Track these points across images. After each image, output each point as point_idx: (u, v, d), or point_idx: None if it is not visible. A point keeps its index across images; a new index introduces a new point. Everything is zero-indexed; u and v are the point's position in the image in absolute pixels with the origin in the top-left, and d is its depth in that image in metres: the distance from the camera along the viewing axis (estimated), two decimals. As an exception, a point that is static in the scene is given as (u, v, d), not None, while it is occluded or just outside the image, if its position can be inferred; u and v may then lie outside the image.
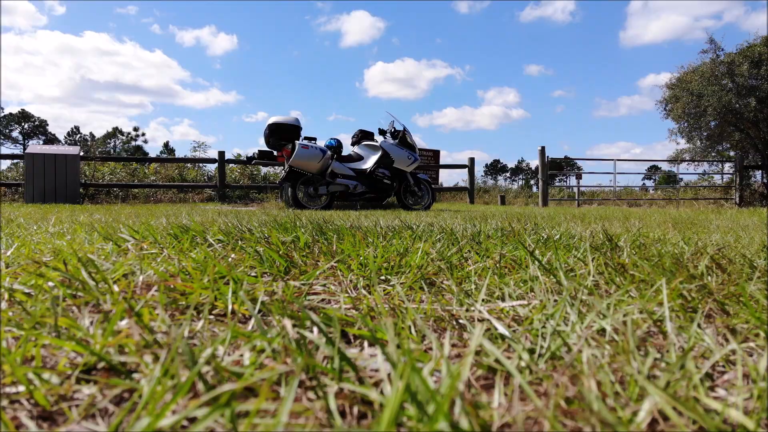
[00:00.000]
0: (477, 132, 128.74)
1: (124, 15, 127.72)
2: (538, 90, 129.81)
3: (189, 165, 14.83)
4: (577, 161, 16.63)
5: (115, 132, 70.34)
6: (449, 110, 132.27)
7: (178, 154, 69.29)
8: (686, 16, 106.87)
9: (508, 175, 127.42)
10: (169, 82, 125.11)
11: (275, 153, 8.50)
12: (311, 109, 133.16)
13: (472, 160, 12.51)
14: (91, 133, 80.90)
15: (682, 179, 14.50)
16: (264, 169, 14.87)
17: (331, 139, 8.52)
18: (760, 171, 14.44)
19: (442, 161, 13.60)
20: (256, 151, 8.91)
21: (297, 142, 7.89)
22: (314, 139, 8.26)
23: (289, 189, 8.06)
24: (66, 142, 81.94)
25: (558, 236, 1.19)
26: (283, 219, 1.83)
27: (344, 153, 8.58)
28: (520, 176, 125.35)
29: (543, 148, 12.77)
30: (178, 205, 8.52)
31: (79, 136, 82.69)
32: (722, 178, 15.81)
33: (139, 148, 65.43)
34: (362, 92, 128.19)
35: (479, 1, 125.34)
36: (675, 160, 15.27)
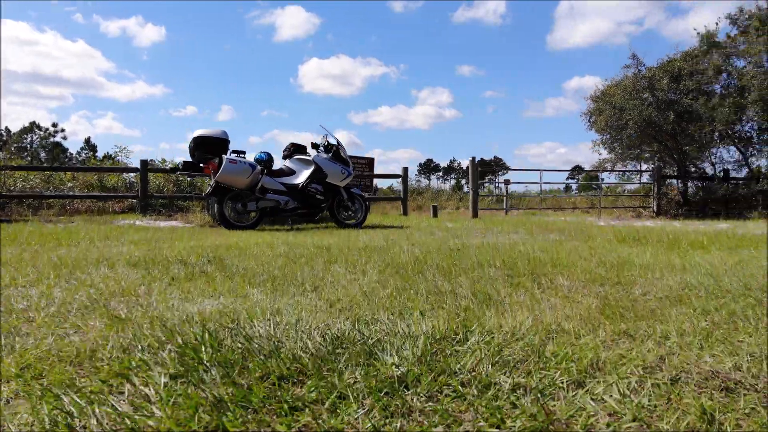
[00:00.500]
0: (411, 131, 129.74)
1: (45, 3, 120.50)
2: (470, 90, 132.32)
3: (114, 166, 14.09)
4: (506, 165, 17.07)
5: (33, 127, 66.26)
6: (384, 108, 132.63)
7: (101, 150, 66.12)
8: (610, 21, 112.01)
9: (440, 174, 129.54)
10: (92, 74, 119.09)
11: (201, 165, 8.17)
12: (243, 104, 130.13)
13: (405, 170, 12.49)
14: (6, 128, 75.84)
15: (603, 179, 15.07)
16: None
17: (261, 152, 8.27)
18: (676, 180, 15.20)
19: (377, 162, 13.56)
20: (181, 162, 8.55)
21: (224, 156, 7.59)
22: (243, 152, 7.99)
23: (216, 205, 7.75)
24: (-24, 136, 76.49)
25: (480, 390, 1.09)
26: (188, 347, 1.68)
27: (275, 167, 8.34)
28: (452, 175, 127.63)
29: (473, 158, 12.92)
30: (95, 223, 8.02)
31: (-9, 129, 77.33)
32: (641, 181, 16.54)
33: (57, 144, 61.81)
34: (297, 88, 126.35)
35: (413, 0, 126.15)
36: (598, 170, 15.85)
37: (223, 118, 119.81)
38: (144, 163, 10.63)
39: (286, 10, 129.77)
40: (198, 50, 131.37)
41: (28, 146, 62.70)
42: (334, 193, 8.32)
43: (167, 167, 13.53)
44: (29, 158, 62.87)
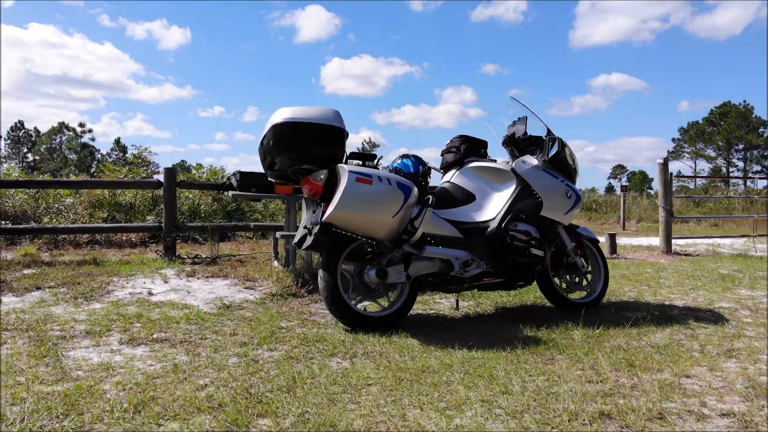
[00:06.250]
0: (436, 130, 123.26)
1: (71, 6, 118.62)
2: (494, 89, 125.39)
3: (126, 178, 10.03)
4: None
5: (61, 128, 63.70)
6: (408, 108, 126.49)
7: (131, 150, 63.18)
8: (633, 18, 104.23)
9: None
10: (121, 76, 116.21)
11: (280, 179, 4.06)
12: (268, 104, 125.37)
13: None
14: (35, 128, 73.66)
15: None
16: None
17: (404, 157, 4.03)
18: None
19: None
20: (236, 173, 4.47)
21: (343, 167, 3.38)
22: (373, 157, 3.76)
23: (322, 272, 3.50)
24: (8, 138, 74.78)
25: None
26: None
27: (429, 184, 4.13)
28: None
29: (665, 161, 8.48)
30: (70, 298, 3.74)
31: (23, 131, 75.36)
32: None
33: (85, 146, 58.85)
34: (319, 89, 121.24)
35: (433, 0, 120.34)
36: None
37: (249, 119, 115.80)
38: (170, 172, 6.48)
39: (306, 11, 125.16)
40: (223, 52, 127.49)
41: (57, 147, 60.06)
42: (550, 236, 4.03)
43: (217, 180, 9.42)
44: (58, 159, 60.27)
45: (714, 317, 3.86)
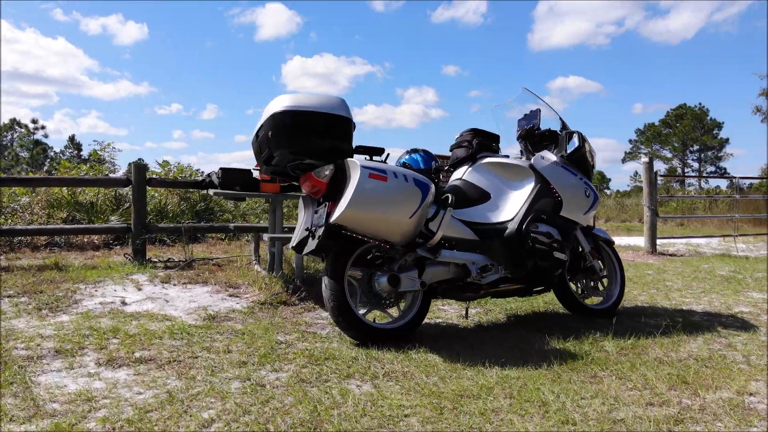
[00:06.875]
0: (398, 130, 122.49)
1: (23, 1, 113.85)
2: (456, 90, 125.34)
3: (86, 176, 9.38)
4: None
5: (13, 124, 60.98)
6: (370, 107, 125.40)
7: (86, 149, 60.97)
8: (589, 22, 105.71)
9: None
10: (75, 72, 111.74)
11: (266, 176, 3.67)
12: (227, 102, 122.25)
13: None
14: (-16, 125, 70.42)
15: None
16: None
17: (413, 151, 3.68)
18: None
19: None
20: (217, 171, 4.06)
21: (354, 161, 3.00)
22: (381, 151, 3.39)
23: (328, 280, 3.11)
24: (-46, 134, 71.20)
25: None
26: None
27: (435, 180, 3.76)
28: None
29: (651, 160, 8.37)
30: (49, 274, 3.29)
31: (-30, 127, 71.87)
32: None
33: (38, 143, 56.43)
34: (280, 87, 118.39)
35: (395, 0, 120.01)
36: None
37: (208, 116, 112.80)
38: (140, 168, 5.97)
39: (267, 8, 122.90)
40: (181, 49, 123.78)
41: (8, 145, 57.44)
42: (568, 237, 3.74)
43: (185, 178, 8.88)
44: (9, 156, 57.76)
45: (740, 324, 3.65)
